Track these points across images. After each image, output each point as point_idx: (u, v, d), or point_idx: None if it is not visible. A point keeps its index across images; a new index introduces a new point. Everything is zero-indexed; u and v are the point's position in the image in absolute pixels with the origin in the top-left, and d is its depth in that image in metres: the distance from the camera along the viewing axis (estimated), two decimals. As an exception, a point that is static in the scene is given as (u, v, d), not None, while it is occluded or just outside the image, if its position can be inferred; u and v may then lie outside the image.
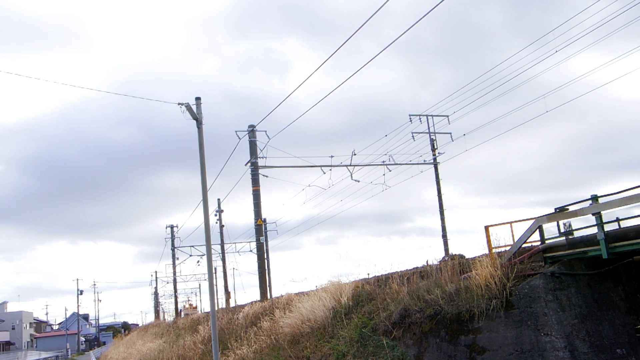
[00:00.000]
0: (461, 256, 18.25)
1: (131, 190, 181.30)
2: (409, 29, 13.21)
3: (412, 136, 31.98)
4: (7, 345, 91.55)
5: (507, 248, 13.82)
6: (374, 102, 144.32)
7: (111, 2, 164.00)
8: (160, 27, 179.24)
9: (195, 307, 75.14)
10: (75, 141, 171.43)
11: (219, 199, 43.99)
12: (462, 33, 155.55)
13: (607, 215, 11.76)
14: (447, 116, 31.81)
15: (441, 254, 26.87)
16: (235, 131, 27.82)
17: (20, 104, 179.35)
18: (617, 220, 12.20)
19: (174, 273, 62.22)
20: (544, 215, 12.85)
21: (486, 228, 14.14)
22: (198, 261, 61.22)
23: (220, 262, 46.98)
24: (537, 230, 13.03)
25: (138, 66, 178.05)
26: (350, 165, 30.80)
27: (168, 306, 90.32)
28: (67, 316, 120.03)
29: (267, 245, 39.29)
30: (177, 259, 59.78)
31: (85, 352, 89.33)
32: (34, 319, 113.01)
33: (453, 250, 27.68)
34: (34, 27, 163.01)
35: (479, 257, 14.28)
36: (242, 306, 30.27)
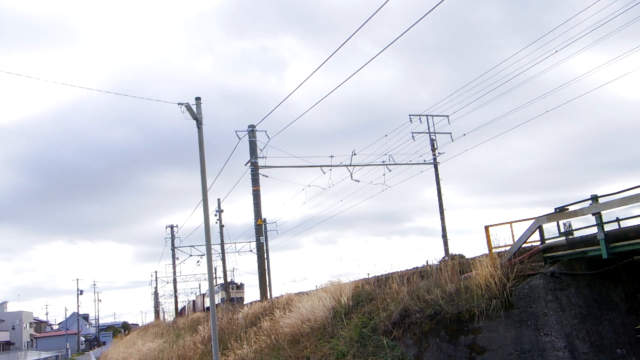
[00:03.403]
0: (461, 256, 18.25)
1: (129, 190, 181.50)
2: (409, 29, 13.21)
3: (412, 136, 32.01)
4: (7, 345, 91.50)
5: (507, 248, 13.82)
6: (372, 101, 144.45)
7: (106, 1, 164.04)
8: (155, 25, 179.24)
9: (241, 287, 50.95)
10: (72, 141, 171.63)
11: (219, 199, 43.95)
12: (460, 31, 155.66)
13: (607, 215, 11.77)
14: (447, 116, 31.84)
15: (441, 254, 26.88)
16: (235, 131, 27.90)
17: (16, 103, 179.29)
18: (617, 220, 12.20)
19: (174, 273, 62.30)
20: (544, 215, 12.85)
21: (486, 228, 14.14)
22: (198, 261, 61.17)
23: (220, 262, 46.88)
24: (537, 230, 13.03)
25: (133, 65, 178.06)
26: (350, 165, 30.83)
27: (168, 306, 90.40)
28: (67, 316, 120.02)
29: (267, 245, 39.28)
30: (177, 259, 59.89)
31: (85, 352, 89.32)
32: (34, 319, 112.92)
33: (453, 250, 27.70)
34: (29, 25, 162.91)
35: (479, 257, 14.28)
36: (242, 306, 30.28)
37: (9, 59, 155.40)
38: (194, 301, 65.63)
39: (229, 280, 50.96)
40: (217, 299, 48.34)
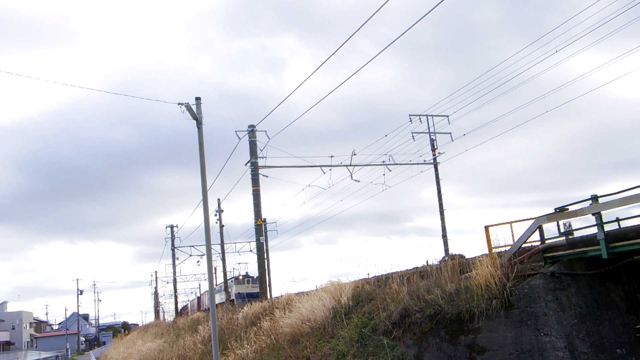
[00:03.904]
0: (461, 256, 18.25)
1: (129, 190, 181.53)
2: (409, 29, 13.21)
3: (412, 136, 32.02)
4: (7, 345, 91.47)
5: (507, 248, 13.82)
6: (371, 101, 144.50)
7: (106, 1, 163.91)
8: (155, 25, 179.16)
9: (256, 281, 40.76)
10: (71, 141, 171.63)
11: (219, 199, 43.98)
12: (460, 31, 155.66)
13: (607, 215, 11.77)
14: (447, 116, 31.85)
15: (441, 254, 26.91)
16: (235, 131, 27.92)
17: (15, 103, 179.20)
18: (617, 220, 12.20)
19: (174, 273, 62.28)
20: (544, 215, 12.84)
21: (486, 228, 14.14)
22: (198, 261, 61.16)
23: (220, 262, 46.83)
24: (537, 230, 13.03)
25: (133, 65, 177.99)
26: (350, 165, 30.84)
27: (168, 306, 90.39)
28: (67, 316, 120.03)
29: (267, 245, 39.24)
30: (177, 259, 59.85)
31: (85, 352, 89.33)
32: (34, 319, 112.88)
33: (453, 250, 27.71)
34: (29, 25, 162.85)
35: (479, 257, 14.28)
36: (242, 306, 30.26)
37: (9, 59, 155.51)
38: (198, 298, 63.91)
39: (243, 273, 48.62)
40: (222, 297, 45.73)
